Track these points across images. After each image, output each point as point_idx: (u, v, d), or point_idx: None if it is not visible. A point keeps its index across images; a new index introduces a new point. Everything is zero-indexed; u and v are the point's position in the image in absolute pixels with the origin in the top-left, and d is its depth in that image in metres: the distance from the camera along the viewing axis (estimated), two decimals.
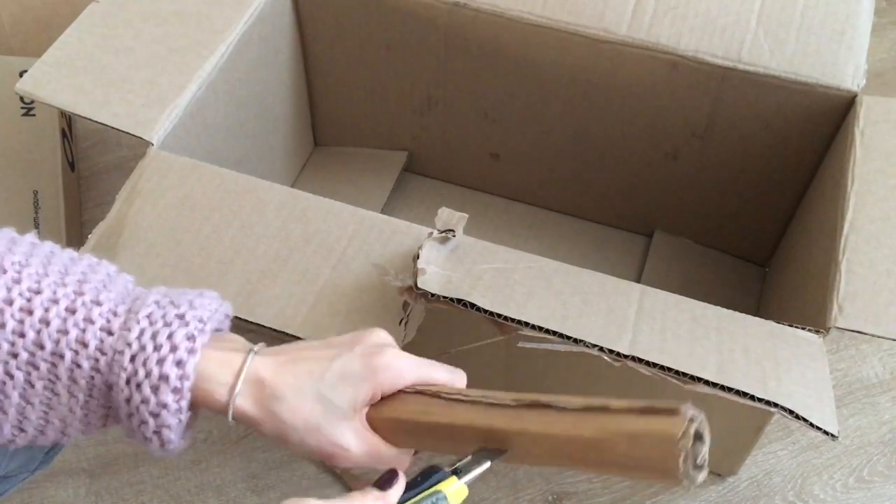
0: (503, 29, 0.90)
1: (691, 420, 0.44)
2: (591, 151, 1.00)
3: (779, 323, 0.68)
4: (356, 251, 0.70)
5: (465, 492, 0.48)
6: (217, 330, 0.51)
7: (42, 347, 0.47)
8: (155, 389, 0.47)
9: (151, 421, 0.48)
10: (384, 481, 0.48)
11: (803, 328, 0.67)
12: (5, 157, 1.02)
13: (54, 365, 0.48)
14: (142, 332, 0.48)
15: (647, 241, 1.07)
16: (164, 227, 0.72)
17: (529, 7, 0.88)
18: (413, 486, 0.47)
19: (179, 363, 0.48)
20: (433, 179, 1.13)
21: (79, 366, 0.48)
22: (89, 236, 0.71)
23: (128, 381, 0.48)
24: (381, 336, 0.53)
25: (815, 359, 0.65)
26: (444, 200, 1.07)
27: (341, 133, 1.13)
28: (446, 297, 0.65)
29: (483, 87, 0.98)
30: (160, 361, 0.47)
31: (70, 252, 0.51)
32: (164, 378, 0.47)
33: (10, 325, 0.47)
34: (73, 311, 0.48)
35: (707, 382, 0.62)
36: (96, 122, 0.77)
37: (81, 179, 1.13)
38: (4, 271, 0.48)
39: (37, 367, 0.48)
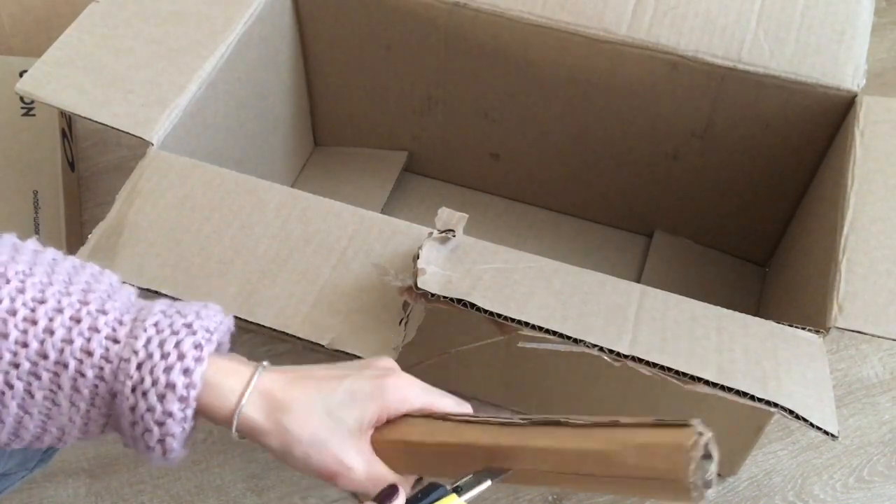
0: (503, 29, 0.90)
1: (701, 433, 0.44)
2: (591, 151, 1.00)
3: (779, 323, 0.68)
4: (356, 251, 0.70)
5: None
6: (219, 344, 0.51)
7: (45, 357, 0.47)
8: (161, 398, 0.47)
9: (156, 430, 0.48)
10: (385, 496, 0.48)
11: (803, 328, 0.67)
12: (5, 157, 1.02)
13: (57, 374, 0.47)
14: (149, 341, 0.48)
15: (647, 241, 1.07)
16: (164, 227, 0.72)
17: (529, 7, 0.88)
18: (413, 503, 0.47)
19: (186, 371, 0.48)
20: (433, 179, 1.13)
21: (83, 375, 0.48)
22: (89, 236, 0.71)
23: (133, 390, 0.47)
24: (390, 362, 0.54)
25: (815, 359, 0.65)
26: (444, 200, 1.07)
27: (341, 133, 1.13)
28: (446, 297, 0.65)
29: (483, 87, 0.98)
30: (167, 369, 0.47)
31: (73, 260, 0.51)
32: (170, 386, 0.47)
33: (14, 335, 0.47)
34: (77, 321, 0.48)
35: (707, 382, 0.62)
36: (96, 122, 0.77)
37: (81, 179, 1.13)
38: (8, 281, 0.47)
39: (38, 377, 0.47)
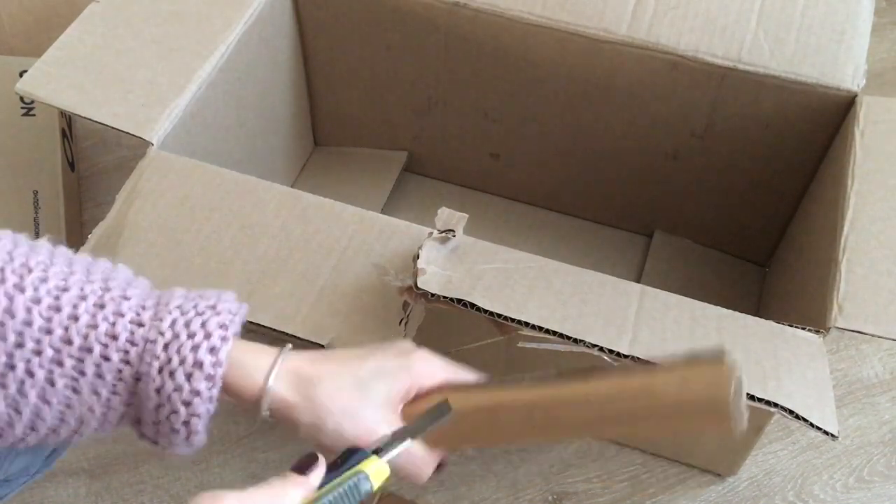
0: (503, 29, 0.90)
1: (735, 362, 0.47)
2: (592, 151, 1.00)
3: (779, 323, 0.68)
4: (356, 251, 0.70)
5: (386, 470, 0.47)
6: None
7: (70, 343, 0.47)
8: (189, 377, 0.48)
9: (183, 410, 0.48)
10: (304, 465, 0.46)
11: (803, 328, 0.67)
12: (5, 157, 1.02)
13: (81, 360, 0.48)
14: (174, 322, 0.48)
15: (647, 241, 1.07)
16: (164, 227, 0.72)
17: (529, 7, 0.88)
18: (334, 468, 0.46)
19: (213, 350, 0.48)
20: (433, 179, 1.13)
21: (107, 359, 0.48)
22: (89, 236, 0.71)
23: (160, 370, 0.48)
24: (409, 344, 0.55)
25: (815, 359, 0.65)
26: (444, 200, 1.07)
27: (341, 133, 1.13)
28: (446, 297, 0.65)
29: (483, 87, 0.98)
30: (195, 348, 0.48)
31: (86, 256, 0.52)
32: (198, 365, 0.48)
33: (38, 322, 0.47)
34: (101, 306, 0.48)
35: None
36: (96, 122, 0.77)
37: (81, 179, 1.13)
38: (30, 270, 0.48)
39: (61, 364, 0.48)
